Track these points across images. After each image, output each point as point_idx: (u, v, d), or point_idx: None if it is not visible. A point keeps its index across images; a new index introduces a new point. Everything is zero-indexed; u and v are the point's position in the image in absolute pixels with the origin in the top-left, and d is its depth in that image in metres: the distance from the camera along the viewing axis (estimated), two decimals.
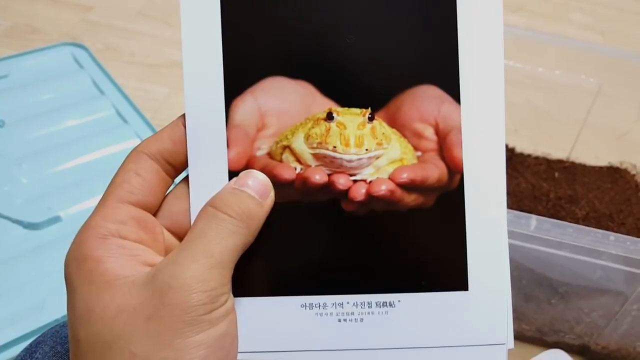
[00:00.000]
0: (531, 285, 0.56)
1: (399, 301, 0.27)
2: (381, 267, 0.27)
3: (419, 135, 0.27)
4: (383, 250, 0.27)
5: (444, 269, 0.27)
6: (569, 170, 0.73)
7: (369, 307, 0.27)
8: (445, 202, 0.27)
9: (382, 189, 0.26)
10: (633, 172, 0.75)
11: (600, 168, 0.75)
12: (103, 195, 0.26)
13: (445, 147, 0.27)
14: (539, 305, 0.57)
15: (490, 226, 0.27)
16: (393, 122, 0.27)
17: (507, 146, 0.75)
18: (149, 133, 0.68)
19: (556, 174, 0.72)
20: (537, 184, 0.70)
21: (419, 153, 0.28)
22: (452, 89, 0.27)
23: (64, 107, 0.71)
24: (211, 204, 0.25)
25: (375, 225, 0.27)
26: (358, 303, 0.27)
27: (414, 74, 0.27)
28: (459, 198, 0.27)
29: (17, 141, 0.67)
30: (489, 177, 0.27)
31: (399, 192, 0.27)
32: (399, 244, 0.27)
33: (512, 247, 0.50)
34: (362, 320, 0.27)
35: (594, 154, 0.75)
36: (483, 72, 0.27)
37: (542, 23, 1.03)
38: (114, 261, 0.24)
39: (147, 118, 0.70)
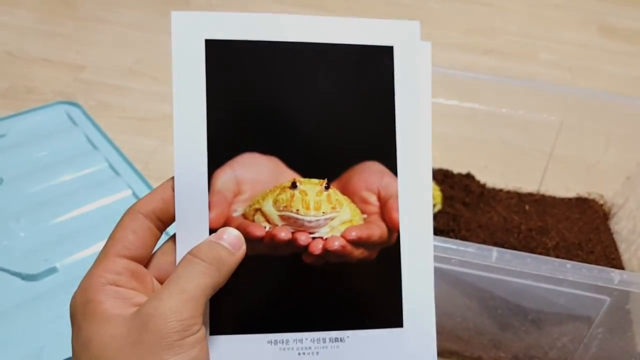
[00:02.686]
0: (506, 314, 0.59)
1: (348, 337, 0.33)
2: (333, 308, 0.33)
3: (365, 201, 0.33)
4: (335, 295, 0.33)
5: (383, 309, 0.33)
6: (539, 202, 0.77)
7: (323, 342, 0.32)
8: (385, 255, 0.33)
9: (336, 244, 0.32)
10: (601, 201, 0.78)
11: (569, 199, 0.78)
12: (104, 248, 0.31)
13: (386, 211, 0.33)
14: (515, 333, 0.60)
15: (420, 274, 0.33)
16: (345, 190, 0.33)
17: (478, 182, 0.79)
18: (140, 184, 0.72)
19: (527, 207, 0.76)
20: (508, 217, 0.74)
21: (365, 215, 0.33)
22: (391, 165, 0.33)
23: (59, 162, 0.74)
24: (190, 252, 0.31)
25: (329, 274, 0.33)
26: (315, 339, 0.32)
27: (362, 152, 0.33)
28: (396, 252, 0.33)
29: (15, 197, 0.70)
30: (420, 235, 0.33)
31: (349, 247, 0.32)
32: (348, 289, 0.33)
33: (481, 279, 0.54)
34: (318, 353, 0.32)
35: (563, 185, 0.79)
36: (415, 153, 0.33)
37: (512, 63, 1.07)
38: (111, 303, 0.29)
39: (138, 170, 0.73)
